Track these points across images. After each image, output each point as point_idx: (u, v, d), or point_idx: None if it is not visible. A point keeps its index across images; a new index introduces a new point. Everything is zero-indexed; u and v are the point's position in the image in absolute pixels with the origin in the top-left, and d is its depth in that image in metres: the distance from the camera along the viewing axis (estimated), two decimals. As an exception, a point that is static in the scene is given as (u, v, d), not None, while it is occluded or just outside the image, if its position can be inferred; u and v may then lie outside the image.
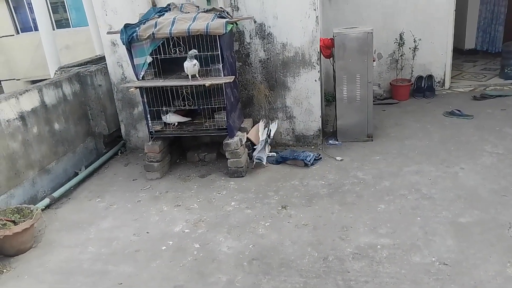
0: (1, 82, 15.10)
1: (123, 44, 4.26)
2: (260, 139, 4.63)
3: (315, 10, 4.60)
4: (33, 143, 4.33)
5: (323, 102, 5.43)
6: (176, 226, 3.68)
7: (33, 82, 10.45)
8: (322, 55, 4.96)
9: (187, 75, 4.21)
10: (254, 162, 4.59)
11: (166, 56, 4.30)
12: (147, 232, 3.65)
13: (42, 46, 6.99)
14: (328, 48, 4.89)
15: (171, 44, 4.25)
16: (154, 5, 4.79)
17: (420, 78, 6.66)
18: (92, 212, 4.14)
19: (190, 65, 4.09)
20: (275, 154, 4.75)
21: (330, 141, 5.16)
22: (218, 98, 4.51)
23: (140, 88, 4.36)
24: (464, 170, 4.14)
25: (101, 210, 4.15)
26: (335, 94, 5.02)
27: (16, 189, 4.04)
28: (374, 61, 4.87)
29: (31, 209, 3.64)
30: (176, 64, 4.43)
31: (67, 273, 3.20)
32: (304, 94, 4.95)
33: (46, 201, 4.24)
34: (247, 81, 5.03)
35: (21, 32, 14.52)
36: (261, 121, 4.93)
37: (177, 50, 4.23)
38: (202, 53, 4.22)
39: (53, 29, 13.74)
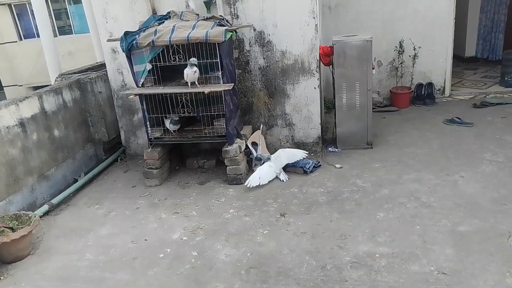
0: (4, 88, 15.19)
1: (123, 51, 4.28)
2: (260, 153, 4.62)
3: (314, 18, 4.62)
4: (33, 149, 4.34)
5: (322, 110, 5.43)
6: (174, 234, 3.67)
7: (35, 88, 10.53)
8: (321, 63, 4.97)
9: (187, 82, 4.22)
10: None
11: (166, 63, 4.32)
12: (145, 240, 3.64)
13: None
14: (327, 56, 4.91)
15: (171, 51, 4.27)
16: (154, 13, 4.82)
17: (420, 85, 6.66)
18: (90, 219, 4.14)
19: (191, 72, 4.11)
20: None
21: (329, 149, 5.16)
22: (218, 105, 4.52)
23: (140, 95, 4.37)
24: (463, 178, 4.12)
25: (99, 217, 4.15)
26: (335, 101, 5.03)
27: (15, 195, 4.04)
28: (373, 68, 4.88)
29: (29, 216, 3.64)
30: (175, 71, 4.45)
31: (64, 280, 3.19)
32: (303, 101, 4.96)
33: (45, 207, 4.24)
34: (247, 88, 5.05)
35: (24, 38, 14.65)
36: (261, 127, 4.94)
37: (177, 57, 4.24)
38: (201, 61, 4.24)
39: (56, 36, 13.93)
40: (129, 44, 4.19)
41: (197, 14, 4.63)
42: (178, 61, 4.25)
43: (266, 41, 4.82)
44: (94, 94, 5.31)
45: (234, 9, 4.74)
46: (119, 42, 4.27)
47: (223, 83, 4.29)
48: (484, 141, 4.95)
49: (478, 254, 2.98)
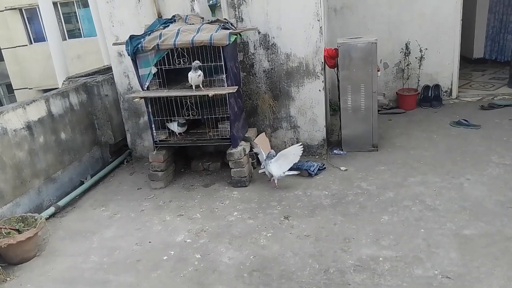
0: (15, 91, 15.41)
1: (128, 55, 4.32)
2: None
3: (318, 21, 4.62)
4: (39, 152, 4.39)
5: (328, 112, 5.42)
6: (178, 236, 3.69)
7: (45, 91, 10.62)
8: (326, 65, 4.97)
9: (191, 85, 4.24)
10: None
11: (171, 67, 4.34)
12: (149, 242, 3.66)
13: (53, 56, 7.15)
14: (332, 58, 4.90)
15: (176, 55, 4.29)
16: (159, 16, 4.86)
17: (426, 87, 6.62)
18: (96, 221, 4.17)
19: (195, 76, 4.13)
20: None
21: (334, 151, 5.14)
22: (222, 108, 4.53)
23: (145, 98, 4.41)
24: (469, 181, 4.08)
25: (105, 219, 4.18)
26: (340, 104, 5.02)
27: (22, 197, 4.09)
28: (378, 71, 4.86)
29: (35, 218, 3.68)
30: (180, 74, 4.47)
31: (69, 282, 3.22)
32: (308, 104, 4.96)
33: (51, 209, 4.29)
34: (252, 91, 5.06)
35: (34, 42, 14.85)
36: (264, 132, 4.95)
37: (182, 61, 4.27)
38: (206, 64, 4.26)
39: (65, 39, 14.13)
40: (135, 47, 4.22)
41: (202, 18, 4.66)
42: (183, 64, 4.27)
43: (270, 44, 4.82)
44: (101, 97, 5.36)
45: (238, 12, 4.75)
46: (125, 45, 4.30)
47: (228, 86, 4.30)
48: (491, 144, 4.90)
49: (483, 258, 2.95)
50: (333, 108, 6.45)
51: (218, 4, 4.68)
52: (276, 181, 4.34)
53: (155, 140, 4.62)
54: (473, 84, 7.52)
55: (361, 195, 4.05)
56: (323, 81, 4.85)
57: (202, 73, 4.15)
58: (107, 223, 4.09)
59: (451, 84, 6.72)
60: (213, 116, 4.54)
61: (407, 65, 6.50)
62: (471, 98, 6.74)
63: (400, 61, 6.63)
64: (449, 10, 6.35)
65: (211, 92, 4.12)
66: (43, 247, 3.74)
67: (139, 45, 4.21)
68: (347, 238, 3.36)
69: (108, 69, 5.99)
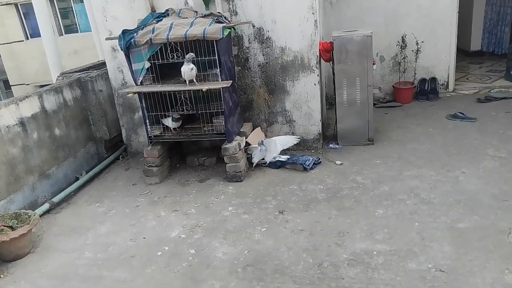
0: (12, 87, 15.33)
1: (121, 50, 4.28)
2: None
3: (313, 14, 4.58)
4: (33, 148, 4.37)
5: (323, 106, 5.40)
6: (173, 231, 3.68)
7: (42, 86, 10.59)
8: (322, 59, 4.94)
9: (185, 80, 4.21)
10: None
11: (164, 61, 4.31)
12: (144, 238, 3.65)
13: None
14: (327, 52, 4.86)
15: (169, 49, 4.26)
16: (153, 10, 4.81)
17: (423, 80, 6.59)
18: (90, 217, 4.16)
19: (188, 69, 4.10)
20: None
21: (330, 145, 5.13)
22: (217, 103, 4.50)
23: (139, 93, 4.38)
24: (465, 174, 4.07)
25: (99, 215, 4.17)
26: (335, 97, 4.99)
27: (16, 194, 4.08)
28: (374, 64, 4.83)
29: (29, 214, 3.66)
30: (174, 69, 4.44)
31: (63, 279, 3.21)
32: (303, 98, 4.93)
33: (46, 206, 4.27)
34: (247, 85, 5.03)
35: (31, 37, 14.75)
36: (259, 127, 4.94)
37: (175, 55, 4.24)
38: (200, 58, 4.23)
39: (62, 34, 14.03)
40: (127, 42, 4.19)
41: (196, 12, 4.61)
42: (176, 59, 4.24)
43: (265, 37, 4.79)
44: (95, 93, 5.33)
45: (232, 5, 4.71)
46: (118, 40, 4.27)
47: (222, 80, 4.28)
48: (487, 137, 4.88)
49: (477, 251, 2.94)
50: (329, 102, 6.42)
51: (212, -2, 4.65)
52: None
53: (149, 135, 4.60)
54: (470, 77, 7.50)
55: (356, 189, 4.04)
56: (318, 75, 4.82)
57: (195, 67, 4.12)
58: (101, 219, 4.08)
59: (448, 77, 6.69)
60: (208, 111, 4.52)
61: (404, 58, 6.47)
62: (467, 91, 6.72)
63: (396, 54, 6.59)
64: (446, 2, 6.31)
65: (205, 87, 4.09)
66: (37, 244, 3.73)
67: (132, 39, 4.18)
68: (342, 232, 3.36)
69: (103, 64, 5.95)
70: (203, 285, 2.95)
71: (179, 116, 4.53)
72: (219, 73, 4.25)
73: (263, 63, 4.90)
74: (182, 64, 4.15)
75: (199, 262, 3.21)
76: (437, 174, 4.13)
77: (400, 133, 5.34)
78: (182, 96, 4.47)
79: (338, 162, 4.65)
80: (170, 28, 4.12)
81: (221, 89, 4.20)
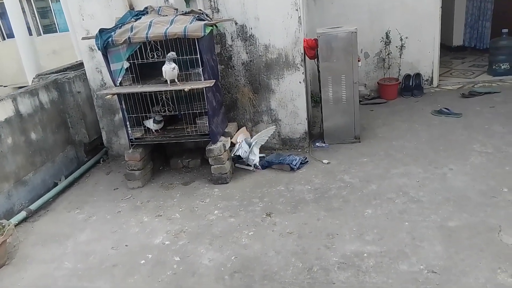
0: (-12, 89, 14.85)
1: (99, 49, 4.11)
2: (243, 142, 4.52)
3: (297, 10, 4.49)
4: (8, 154, 4.16)
5: (309, 104, 5.32)
6: (156, 238, 3.54)
7: (21, 88, 10.26)
8: (306, 56, 4.85)
9: (166, 80, 4.07)
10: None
11: (144, 61, 4.15)
12: (126, 245, 3.50)
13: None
14: (312, 49, 4.78)
15: (149, 48, 4.10)
16: (131, 8, 4.65)
17: (408, 76, 6.57)
18: (70, 224, 3.99)
19: (169, 69, 3.95)
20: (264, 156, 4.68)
21: (317, 144, 5.05)
22: (200, 103, 4.37)
23: (118, 94, 4.21)
24: (452, 171, 4.04)
25: (79, 222, 4.00)
26: (321, 95, 4.91)
27: (-10, 203, 3.88)
28: (359, 61, 4.76)
29: (3, 224, 3.48)
30: (155, 68, 4.28)
31: (40, 292, 3.05)
32: (289, 96, 4.83)
33: (23, 214, 4.08)
34: (230, 84, 4.91)
35: (8, 38, 14.29)
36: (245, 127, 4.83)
37: (155, 54, 4.08)
38: (181, 57, 4.08)
39: (41, 34, 13.64)
40: (105, 41, 4.02)
41: (176, 9, 4.46)
42: (157, 58, 4.09)
43: (248, 35, 4.67)
44: (73, 95, 5.13)
45: (214, 2, 4.58)
46: (95, 40, 4.09)
47: (205, 79, 4.14)
48: (473, 132, 4.87)
49: (468, 250, 2.89)
50: (315, 99, 6.35)
51: (193, -5, 4.50)
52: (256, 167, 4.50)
53: (130, 138, 4.44)
54: (454, 72, 7.52)
55: (344, 188, 3.97)
56: (303, 72, 4.73)
57: (176, 66, 3.97)
58: (81, 226, 3.91)
59: (432, 73, 6.69)
60: (191, 112, 4.38)
61: (388, 54, 6.43)
62: (452, 86, 6.73)
63: (381, 50, 6.55)
64: (429, -2, 6.29)
65: (187, 87, 3.95)
66: (13, 255, 3.54)
67: (110, 39, 4.01)
68: (331, 234, 3.27)
69: (81, 65, 5.73)
70: (189, 294, 2.83)
71: (161, 118, 4.38)
72: (201, 72, 4.11)
73: (247, 61, 4.78)
74: (162, 63, 4.00)
75: (184, 270, 3.08)
76: (424, 172, 4.08)
77: (386, 130, 5.30)
78: (164, 97, 4.32)
79: (325, 161, 4.57)
80: (150, 26, 3.96)
81: (204, 88, 4.07)
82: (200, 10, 4.39)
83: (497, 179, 3.78)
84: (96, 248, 3.51)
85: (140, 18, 4.24)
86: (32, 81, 5.51)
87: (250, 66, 4.80)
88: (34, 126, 4.59)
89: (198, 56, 4.03)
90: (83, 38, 4.43)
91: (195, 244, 3.37)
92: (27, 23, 9.72)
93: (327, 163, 4.53)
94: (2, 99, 4.23)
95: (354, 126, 4.94)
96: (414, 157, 4.43)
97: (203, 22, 3.97)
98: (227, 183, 4.35)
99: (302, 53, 4.67)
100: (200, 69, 4.10)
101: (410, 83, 6.54)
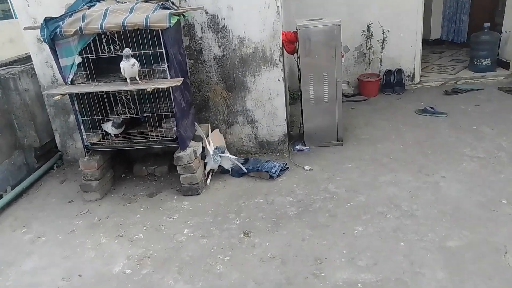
0: None
1: (45, 42, 3.49)
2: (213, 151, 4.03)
3: (275, -1, 4.01)
4: None
5: (288, 104, 4.89)
6: (116, 265, 3.02)
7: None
8: (285, 51, 4.39)
9: (126, 78, 3.51)
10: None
11: (99, 55, 3.57)
12: (79, 275, 2.96)
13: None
14: (291, 43, 4.32)
15: (105, 40, 3.52)
16: (85, -7, 4.02)
17: (389, 72, 6.25)
18: (14, 247, 3.40)
19: (128, 66, 3.40)
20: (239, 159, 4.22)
21: (297, 147, 4.63)
22: (166, 103, 3.85)
23: (69, 94, 3.62)
24: (445, 179, 3.71)
25: (25, 244, 3.42)
26: (301, 94, 4.48)
27: None
28: (342, 57, 4.35)
29: None
30: (114, 63, 3.69)
31: None
32: (266, 95, 4.38)
33: (-45, 236, 3.46)
34: (201, 81, 4.39)
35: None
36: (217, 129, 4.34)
37: (112, 48, 3.51)
38: (143, 51, 3.54)
39: (-3, 20, 12.47)
40: (52, 32, 3.41)
41: (137, -5, 3.88)
42: (114, 52, 3.51)
43: (220, 26, 4.16)
44: (19, 93, 4.47)
45: (181, -11, 4.03)
46: (39, 30, 3.47)
47: (171, 77, 3.61)
48: (461, 134, 4.59)
49: (474, 277, 2.55)
50: (292, 96, 5.93)
51: (157, -21, 3.93)
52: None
53: (85, 144, 3.87)
54: (434, 67, 7.28)
55: (330, 200, 3.57)
56: (282, 69, 4.27)
57: (137, 62, 3.42)
58: (28, 250, 3.34)
59: (414, 69, 6.40)
60: (156, 114, 3.85)
61: (369, 48, 6.07)
62: (433, 82, 6.47)
63: (361, 44, 6.19)
64: (411, -11, 5.95)
65: (149, 86, 3.40)
66: None
67: (58, 29, 3.40)
68: (319, 258, 2.86)
69: (29, 58, 5.05)
70: None
71: (121, 121, 3.83)
72: (167, 69, 3.58)
73: (219, 56, 4.27)
74: (121, 58, 3.44)
75: (148, 307, 2.60)
76: (415, 180, 3.74)
77: (369, 131, 4.95)
78: (124, 97, 3.76)
79: (307, 167, 4.15)
80: (105, 15, 3.38)
81: (170, 88, 3.54)
82: (165, -3, 3.83)
83: (494, 188, 3.48)
84: (44, 279, 2.96)
85: (94, 5, 3.64)
86: (-29, 76, 4.78)
87: (223, 61, 4.29)
88: (-29, 130, 3.93)
89: (163, 50, 3.49)
90: (26, 28, 3.76)
91: (161, 273, 2.88)
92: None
93: (309, 170, 4.12)
94: None
95: (337, 127, 4.55)
96: (401, 162, 4.09)
97: (168, 11, 3.42)
98: (198, 194, 3.87)
99: (280, 48, 4.21)
100: (166, 65, 3.56)
101: (392, 79, 6.23)
